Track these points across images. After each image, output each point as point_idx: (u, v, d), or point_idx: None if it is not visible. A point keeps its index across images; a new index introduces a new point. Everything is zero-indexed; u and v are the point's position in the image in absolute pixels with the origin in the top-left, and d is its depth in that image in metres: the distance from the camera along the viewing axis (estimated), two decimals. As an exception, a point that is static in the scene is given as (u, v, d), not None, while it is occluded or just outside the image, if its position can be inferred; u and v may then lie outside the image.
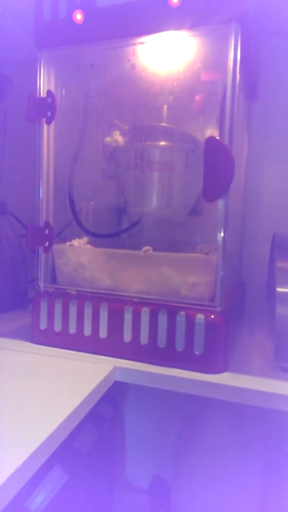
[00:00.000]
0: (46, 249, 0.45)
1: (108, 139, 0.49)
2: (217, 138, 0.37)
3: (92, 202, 0.51)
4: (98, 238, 0.50)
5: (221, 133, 0.39)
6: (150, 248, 0.42)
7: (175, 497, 0.57)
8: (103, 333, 0.41)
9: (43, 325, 0.44)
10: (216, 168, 0.36)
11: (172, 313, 0.39)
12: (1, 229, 0.59)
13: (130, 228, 0.52)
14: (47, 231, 0.44)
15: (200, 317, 0.38)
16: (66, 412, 0.30)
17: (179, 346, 0.38)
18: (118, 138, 0.49)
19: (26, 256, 0.63)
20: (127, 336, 0.40)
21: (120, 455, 0.59)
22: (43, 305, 0.44)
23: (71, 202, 0.50)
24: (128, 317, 0.40)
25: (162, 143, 0.47)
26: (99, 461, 0.52)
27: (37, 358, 0.41)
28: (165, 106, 0.48)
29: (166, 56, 0.43)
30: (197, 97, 0.48)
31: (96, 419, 0.49)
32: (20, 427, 0.28)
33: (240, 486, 0.52)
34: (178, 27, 0.38)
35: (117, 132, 0.49)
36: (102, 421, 0.51)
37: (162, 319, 0.39)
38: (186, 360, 0.38)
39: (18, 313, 0.57)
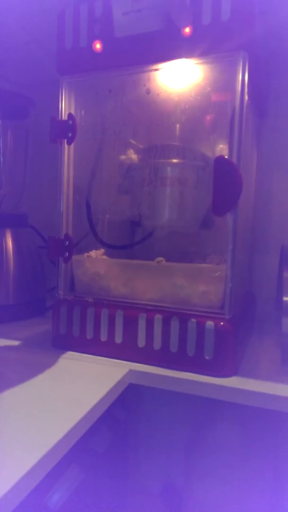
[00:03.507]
0: (66, 260, 0.48)
1: (123, 157, 0.53)
2: (226, 157, 0.40)
3: (108, 216, 0.55)
4: (113, 249, 0.53)
5: (230, 150, 0.41)
6: (163, 259, 0.45)
7: (186, 501, 0.58)
8: (118, 338, 0.44)
9: (62, 330, 0.47)
10: (224, 184, 0.39)
11: (183, 320, 0.41)
12: (23, 241, 0.63)
13: (143, 240, 0.55)
14: (67, 243, 0.48)
15: (210, 324, 0.40)
16: (83, 411, 0.32)
17: (190, 351, 0.41)
18: (132, 156, 0.53)
19: (44, 266, 0.66)
20: (141, 342, 0.43)
21: (133, 457, 0.61)
22: (63, 312, 0.47)
23: (89, 215, 0.53)
24: (142, 324, 0.43)
25: (175, 160, 0.50)
26: (114, 462, 0.55)
27: (57, 361, 0.43)
28: (178, 126, 0.51)
29: (179, 81, 0.47)
30: (208, 117, 0.51)
31: (111, 421, 0.52)
32: (39, 425, 0.30)
33: (251, 489, 0.54)
34: (190, 55, 0.41)
35: (132, 151, 0.53)
36: (116, 424, 0.53)
37: (174, 325, 0.42)
38: (197, 364, 0.40)
39: (38, 320, 0.60)
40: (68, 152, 0.49)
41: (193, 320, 0.41)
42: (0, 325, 0.56)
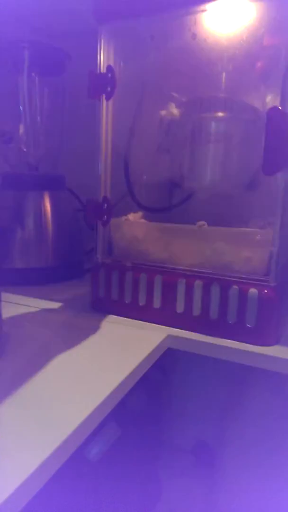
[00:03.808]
0: (104, 223, 0.47)
1: (164, 112, 0.49)
2: (280, 108, 0.36)
3: (147, 177, 0.52)
4: (152, 212, 0.51)
5: (282, 102, 0.37)
6: (205, 223, 0.43)
7: (218, 460, 0.60)
8: (157, 303, 0.43)
9: (101, 294, 0.47)
10: (277, 140, 0.35)
11: (224, 286, 0.40)
12: (61, 204, 0.63)
13: (183, 202, 0.53)
14: (105, 206, 0.46)
15: (253, 291, 0.38)
16: (124, 374, 0.33)
17: (231, 318, 0.39)
18: (174, 110, 0.49)
19: (82, 229, 0.66)
20: (180, 307, 0.42)
21: (167, 416, 0.63)
22: (101, 276, 0.47)
23: (127, 176, 0.51)
24: (181, 290, 0.42)
25: (220, 114, 0.46)
26: (148, 421, 0.56)
27: (97, 324, 0.44)
28: (225, 75, 0.47)
29: (228, 23, 0.42)
30: (259, 64, 0.46)
31: (147, 382, 0.52)
32: (83, 387, 0.31)
33: (283, 454, 0.54)
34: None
35: (173, 105, 0.49)
36: (152, 384, 0.54)
37: (215, 292, 0.40)
38: (238, 332, 0.39)
39: (76, 283, 0.61)
40: (106, 108, 0.46)
41: (235, 287, 0.39)
42: (40, 287, 0.57)
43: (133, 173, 0.51)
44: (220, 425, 0.59)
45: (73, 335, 0.41)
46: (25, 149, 0.64)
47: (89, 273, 0.64)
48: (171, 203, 0.54)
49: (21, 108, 0.63)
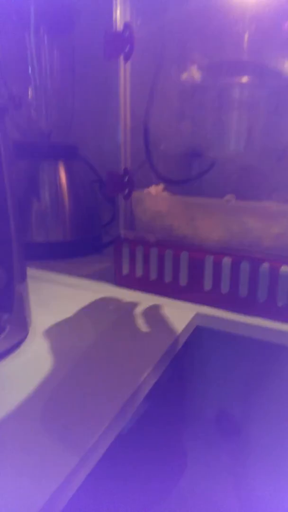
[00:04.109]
0: (126, 197, 0.45)
1: (185, 75, 0.46)
2: None
3: (167, 146, 0.50)
4: (174, 185, 0.49)
5: None
6: (233, 196, 0.41)
7: (242, 429, 0.62)
8: (183, 280, 0.43)
9: (125, 270, 0.46)
10: None
11: (254, 264, 0.39)
12: (76, 174, 0.61)
13: (204, 173, 0.51)
14: (126, 178, 0.45)
15: (285, 269, 0.37)
16: (158, 355, 0.32)
17: (261, 296, 0.39)
18: (195, 74, 0.46)
19: (98, 201, 0.64)
20: (208, 284, 0.41)
21: (191, 387, 0.65)
22: (125, 252, 0.46)
23: (147, 146, 0.49)
24: (208, 267, 0.41)
25: (245, 79, 0.43)
26: (173, 393, 0.58)
27: (122, 301, 0.43)
28: (250, 37, 0.43)
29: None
30: (287, 24, 0.42)
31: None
32: (119, 368, 0.31)
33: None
34: None
35: (195, 68, 0.45)
36: (176, 358, 0.55)
37: (244, 269, 0.39)
38: (268, 311, 0.39)
39: (95, 257, 0.60)
40: (124, 71, 0.43)
41: (266, 264, 0.38)
42: (59, 262, 0.57)
43: (153, 143, 0.49)
44: (245, 399, 0.61)
45: (100, 313, 0.40)
46: (35, 115, 0.61)
47: (108, 247, 0.64)
48: (193, 175, 0.52)
49: (29, 69, 0.59)
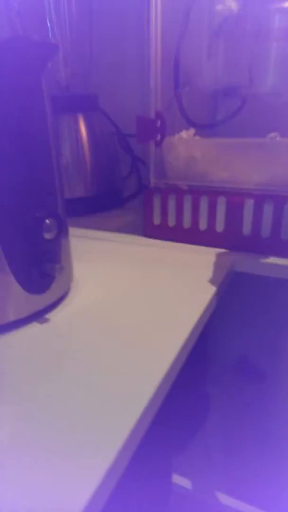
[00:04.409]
0: (158, 143, 0.43)
1: (219, 6, 0.42)
2: None
3: (199, 85, 0.47)
4: (205, 128, 0.47)
5: None
6: (277, 134, 0.38)
7: (267, 375, 0.62)
8: (220, 227, 0.41)
9: (156, 221, 0.45)
10: None
11: (298, 205, 0.37)
12: (96, 126, 0.58)
13: (237, 112, 0.48)
14: (158, 123, 0.42)
15: None
16: (203, 306, 0.31)
17: (306, 239, 0.37)
18: (232, 3, 0.42)
19: (118, 154, 0.62)
20: (247, 230, 0.40)
21: (214, 335, 0.64)
22: (156, 201, 0.44)
23: (177, 88, 0.45)
24: (248, 211, 0.39)
25: (286, 4, 0.39)
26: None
27: (156, 252, 0.42)
28: None
29: None
30: None
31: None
32: (166, 322, 0.29)
33: None
34: None
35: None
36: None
37: (287, 212, 0.37)
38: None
39: (117, 211, 0.59)
40: (155, 5, 0.39)
41: (311, 205, 0.36)
42: (83, 218, 0.55)
43: (182, 82, 0.45)
44: (269, 344, 0.60)
45: (136, 265, 0.39)
46: (53, 67, 0.58)
47: (129, 201, 0.62)
48: (220, 118, 0.49)
49: (46, 13, 0.55)
